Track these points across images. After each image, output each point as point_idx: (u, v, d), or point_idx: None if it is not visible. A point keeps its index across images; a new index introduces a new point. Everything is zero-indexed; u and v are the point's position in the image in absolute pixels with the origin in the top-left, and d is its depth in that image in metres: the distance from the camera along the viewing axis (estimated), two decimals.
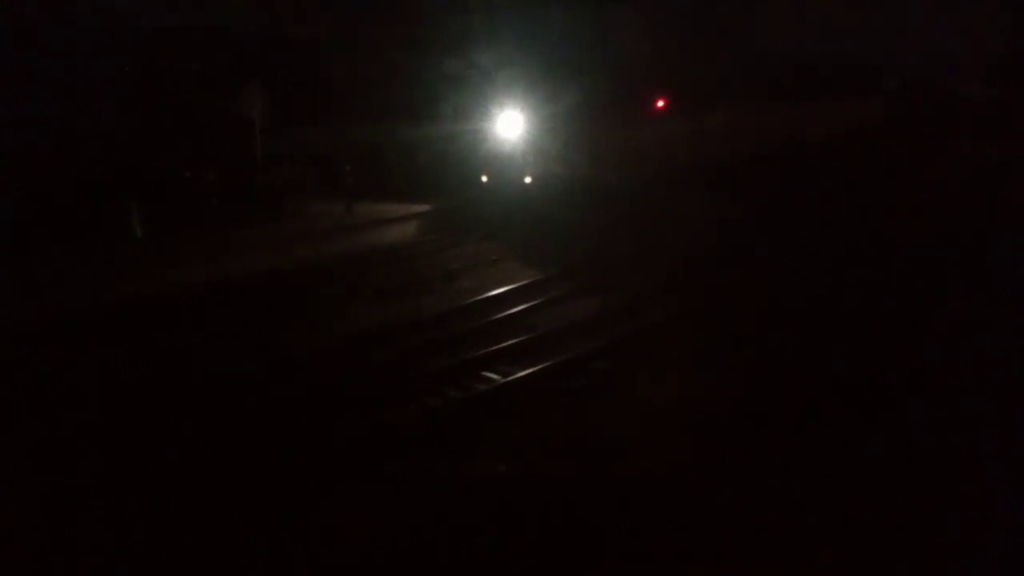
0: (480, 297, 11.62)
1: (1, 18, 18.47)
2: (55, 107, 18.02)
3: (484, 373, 8.69)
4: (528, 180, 17.90)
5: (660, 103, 21.97)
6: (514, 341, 9.47)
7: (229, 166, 19.52)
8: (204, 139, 19.61)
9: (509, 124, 17.97)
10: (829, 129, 27.75)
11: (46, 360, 9.80)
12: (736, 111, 23.81)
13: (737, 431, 7.08)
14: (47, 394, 8.84)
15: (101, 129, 18.62)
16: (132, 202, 16.97)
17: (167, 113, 19.65)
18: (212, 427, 7.70)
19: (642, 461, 6.67)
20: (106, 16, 19.54)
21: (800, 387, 7.85)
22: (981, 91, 36.19)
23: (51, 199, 17.01)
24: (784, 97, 25.81)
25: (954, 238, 13.59)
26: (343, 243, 16.12)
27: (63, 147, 17.86)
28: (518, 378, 8.36)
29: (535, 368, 8.55)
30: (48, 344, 10.35)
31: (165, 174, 18.69)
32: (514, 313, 10.79)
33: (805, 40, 29.35)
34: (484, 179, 18.21)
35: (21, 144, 17.33)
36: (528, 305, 11.06)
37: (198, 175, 18.84)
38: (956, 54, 36.96)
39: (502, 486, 6.51)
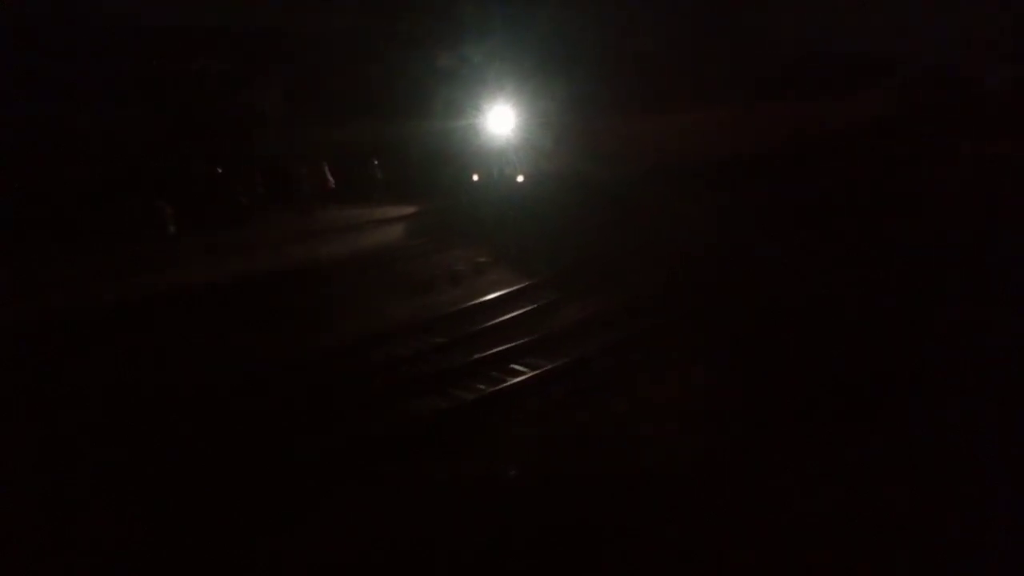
0: (474, 302, 11.44)
1: (20, 20, 18.60)
2: (80, 108, 18.27)
3: (491, 373, 8.69)
4: (520, 179, 17.39)
5: (656, 98, 21.70)
6: (510, 345, 9.38)
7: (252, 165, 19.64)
8: (225, 137, 19.72)
9: (501, 120, 17.46)
10: (838, 124, 27.31)
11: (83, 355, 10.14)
12: (738, 106, 23.55)
13: (737, 431, 7.08)
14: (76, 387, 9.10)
15: (125, 128, 18.83)
16: (164, 200, 17.26)
17: (190, 112, 19.80)
18: (214, 428, 7.71)
19: (642, 461, 6.67)
20: (110, 15, 19.64)
21: (800, 388, 7.85)
22: (1003, 80, 35.88)
23: (84, 197, 17.39)
24: (790, 92, 25.56)
25: (958, 238, 13.55)
26: (331, 246, 15.92)
27: (90, 146, 18.11)
28: (518, 382, 8.35)
29: (534, 372, 8.54)
30: (94, 339, 10.74)
31: (194, 172, 18.88)
32: (510, 319, 10.60)
33: (817, 31, 29.03)
34: (475, 178, 17.73)
35: (46, 146, 17.62)
36: (524, 310, 10.86)
37: (228, 172, 18.94)
38: (979, 42, 36.60)
39: (503, 486, 6.51)
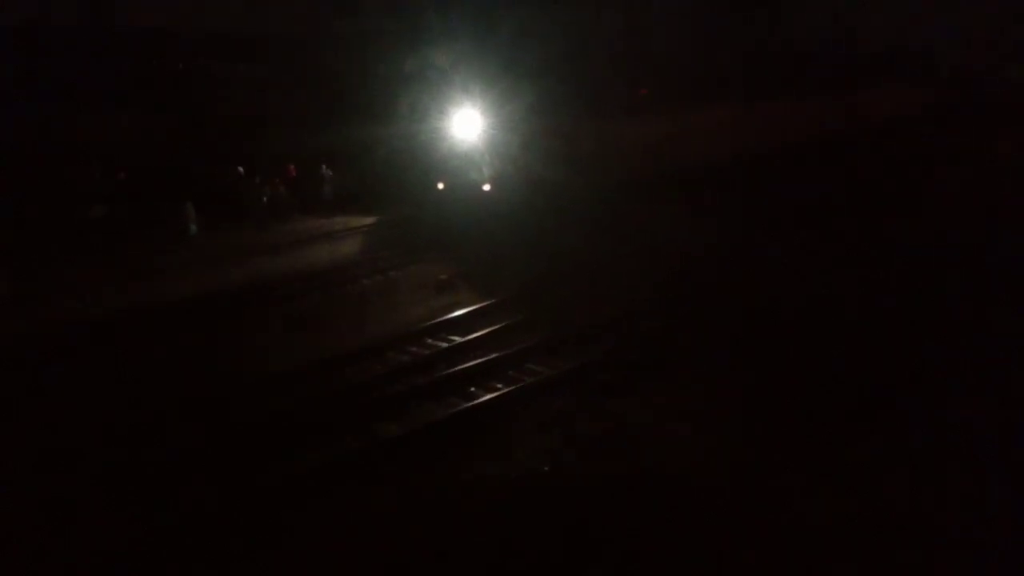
0: (440, 319, 10.71)
1: (32, 23, 18.85)
2: (95, 111, 18.51)
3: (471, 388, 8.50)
4: (487, 188, 16.19)
5: (641, 99, 20.81)
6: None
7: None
8: (242, 138, 19.81)
9: (468, 125, 16.28)
10: (850, 125, 26.63)
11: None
12: (731, 107, 22.85)
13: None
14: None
15: (145, 130, 19.06)
16: (188, 202, 17.42)
17: (205, 115, 19.94)
18: (215, 432, 7.72)
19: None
20: (116, 17, 19.84)
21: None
22: (1003, 79, 35.53)
23: (110, 198, 17.67)
24: (789, 92, 25.08)
25: (958, 238, 13.52)
26: (291, 260, 15.48)
27: (111, 149, 18.35)
28: (512, 389, 8.27)
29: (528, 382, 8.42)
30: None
31: (216, 174, 19.02)
32: (478, 337, 9.95)
33: (816, 30, 28.53)
34: (441, 186, 16.60)
35: (68, 148, 17.87)
36: (491, 329, 10.13)
37: (249, 172, 19.04)
38: (979, 42, 36.28)
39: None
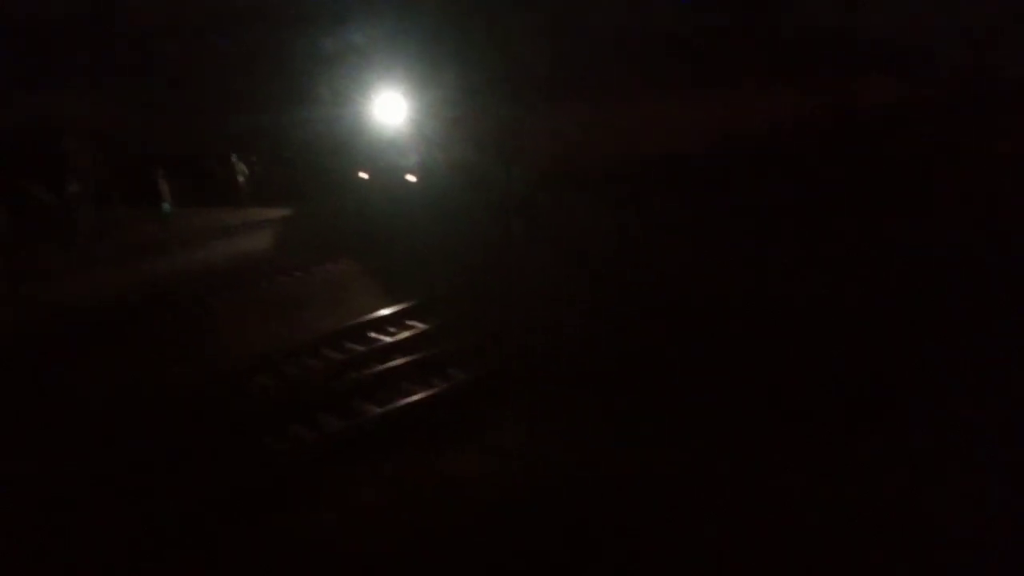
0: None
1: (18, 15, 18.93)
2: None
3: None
4: (411, 178, 15.43)
5: (595, 86, 19.91)
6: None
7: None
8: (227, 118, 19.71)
9: (391, 112, 15.32)
10: (848, 123, 26.33)
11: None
12: (726, 99, 22.16)
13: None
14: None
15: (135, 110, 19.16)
16: (163, 181, 17.53)
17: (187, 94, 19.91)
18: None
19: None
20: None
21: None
22: (1004, 79, 35.34)
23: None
24: (802, 87, 24.59)
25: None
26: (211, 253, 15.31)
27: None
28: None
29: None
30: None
31: (193, 154, 19.02)
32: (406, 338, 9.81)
33: (839, 23, 28.12)
34: (364, 176, 15.91)
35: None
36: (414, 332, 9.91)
37: (228, 153, 18.97)
38: (979, 42, 36.14)
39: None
